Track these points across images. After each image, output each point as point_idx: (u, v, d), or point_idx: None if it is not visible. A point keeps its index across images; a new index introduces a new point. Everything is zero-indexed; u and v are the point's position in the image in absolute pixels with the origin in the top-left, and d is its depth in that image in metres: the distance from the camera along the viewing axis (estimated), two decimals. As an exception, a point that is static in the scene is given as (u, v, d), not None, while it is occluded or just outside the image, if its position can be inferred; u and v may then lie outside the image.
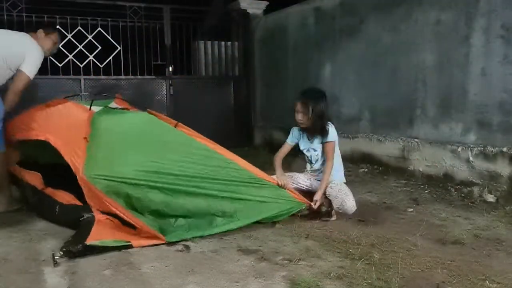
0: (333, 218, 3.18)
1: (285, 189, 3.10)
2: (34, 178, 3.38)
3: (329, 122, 3.22)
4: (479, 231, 2.90)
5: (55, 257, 2.42)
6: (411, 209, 3.44)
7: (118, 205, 2.71)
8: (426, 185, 4.12)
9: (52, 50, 3.63)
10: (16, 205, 3.48)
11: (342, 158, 3.41)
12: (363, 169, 4.84)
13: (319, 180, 3.25)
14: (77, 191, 2.94)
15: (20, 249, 2.67)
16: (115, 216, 2.74)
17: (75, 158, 2.86)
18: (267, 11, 7.17)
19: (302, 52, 6.14)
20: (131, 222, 2.71)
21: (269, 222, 3.08)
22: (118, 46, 6.28)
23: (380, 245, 2.63)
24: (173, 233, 2.78)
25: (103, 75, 6.28)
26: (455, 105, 4.11)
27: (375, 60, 4.97)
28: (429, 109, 4.37)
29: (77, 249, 2.48)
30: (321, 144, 3.26)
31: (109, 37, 6.23)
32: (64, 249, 2.48)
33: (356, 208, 3.08)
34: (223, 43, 7.16)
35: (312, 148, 3.31)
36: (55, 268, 2.36)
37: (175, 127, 3.17)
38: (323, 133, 3.19)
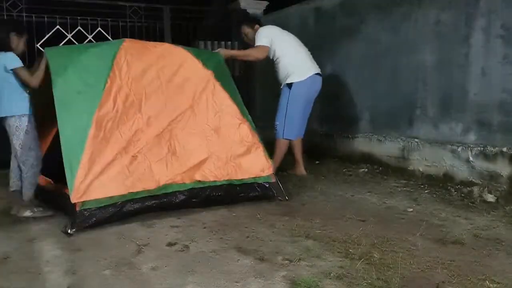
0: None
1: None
2: None
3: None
4: (479, 231, 2.90)
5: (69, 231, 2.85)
6: (411, 209, 3.44)
7: None
8: (426, 185, 4.12)
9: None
10: None
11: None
12: (363, 169, 4.84)
13: None
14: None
15: (20, 249, 2.67)
16: None
17: None
18: (267, 11, 7.16)
19: (302, 52, 6.12)
20: None
21: (269, 222, 3.09)
22: (118, 46, 6.26)
23: (380, 245, 2.63)
24: None
25: (103, 75, 6.26)
26: (455, 105, 4.11)
27: (375, 60, 4.97)
28: (429, 109, 4.37)
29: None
30: None
31: (109, 37, 6.22)
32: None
33: None
34: (223, 43, 7.16)
35: None
36: (56, 267, 2.37)
37: None
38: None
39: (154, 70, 3.50)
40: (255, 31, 4.51)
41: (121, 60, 3.41)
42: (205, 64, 3.73)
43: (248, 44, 4.64)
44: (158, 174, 3.22)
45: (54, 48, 3.61)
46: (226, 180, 3.48)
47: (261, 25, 4.57)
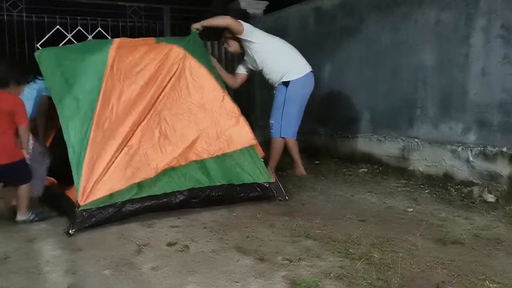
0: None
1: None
2: None
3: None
4: (479, 231, 2.90)
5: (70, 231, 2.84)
6: (411, 209, 3.44)
7: None
8: (426, 185, 4.12)
9: None
10: None
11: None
12: (363, 169, 4.84)
13: None
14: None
15: (20, 249, 2.67)
16: None
17: None
18: (267, 11, 7.16)
19: (302, 52, 6.10)
20: None
21: (269, 222, 3.09)
22: (118, 46, 6.26)
23: (380, 245, 2.62)
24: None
25: (103, 75, 6.27)
26: (455, 105, 4.11)
27: (375, 60, 4.97)
28: (429, 109, 4.37)
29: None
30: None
31: (109, 37, 6.22)
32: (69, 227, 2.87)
33: None
34: (223, 43, 7.16)
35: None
36: (56, 267, 2.37)
37: None
38: None
39: (142, 65, 3.50)
40: (232, 44, 4.47)
41: (112, 59, 3.41)
42: (181, 46, 3.71)
43: (232, 54, 4.64)
44: (154, 160, 3.25)
45: (44, 51, 3.57)
46: (220, 156, 3.51)
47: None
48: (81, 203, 2.91)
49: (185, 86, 3.58)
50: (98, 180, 3.01)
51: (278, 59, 4.39)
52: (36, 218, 3.15)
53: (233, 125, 3.62)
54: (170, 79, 3.54)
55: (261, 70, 4.52)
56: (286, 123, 4.38)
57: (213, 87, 3.67)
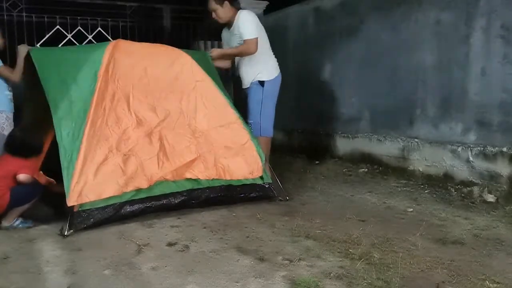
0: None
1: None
2: None
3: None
4: (479, 231, 2.90)
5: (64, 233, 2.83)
6: (411, 209, 3.44)
7: None
8: (426, 185, 4.12)
9: None
10: None
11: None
12: (363, 169, 4.84)
13: None
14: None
15: (20, 249, 2.67)
16: None
17: None
18: (267, 11, 7.16)
19: (302, 52, 6.14)
20: None
21: (269, 222, 3.09)
22: (118, 46, 6.26)
23: (380, 245, 2.63)
24: None
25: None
26: (455, 105, 4.11)
27: (375, 60, 4.97)
28: (429, 109, 4.37)
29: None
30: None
31: (109, 37, 6.22)
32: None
33: None
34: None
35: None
36: (56, 267, 2.37)
37: None
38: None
39: (142, 68, 3.47)
40: (226, 8, 4.03)
41: (109, 58, 3.38)
42: (197, 62, 3.69)
43: (217, 22, 4.17)
44: (149, 172, 3.20)
45: (40, 51, 3.58)
46: (220, 179, 3.46)
47: (231, 4, 4.08)
48: (70, 203, 2.88)
49: (194, 108, 3.54)
50: (89, 181, 2.97)
51: (262, 55, 4.11)
52: (20, 226, 3.06)
53: (231, 156, 3.54)
54: (176, 91, 3.51)
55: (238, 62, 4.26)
56: (265, 122, 4.14)
57: (222, 114, 3.62)
